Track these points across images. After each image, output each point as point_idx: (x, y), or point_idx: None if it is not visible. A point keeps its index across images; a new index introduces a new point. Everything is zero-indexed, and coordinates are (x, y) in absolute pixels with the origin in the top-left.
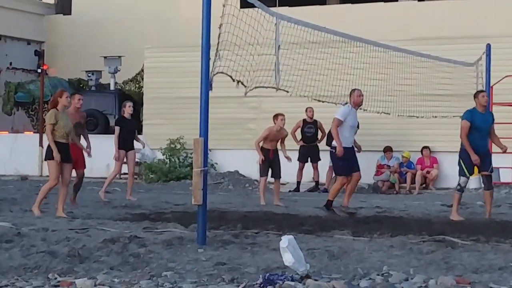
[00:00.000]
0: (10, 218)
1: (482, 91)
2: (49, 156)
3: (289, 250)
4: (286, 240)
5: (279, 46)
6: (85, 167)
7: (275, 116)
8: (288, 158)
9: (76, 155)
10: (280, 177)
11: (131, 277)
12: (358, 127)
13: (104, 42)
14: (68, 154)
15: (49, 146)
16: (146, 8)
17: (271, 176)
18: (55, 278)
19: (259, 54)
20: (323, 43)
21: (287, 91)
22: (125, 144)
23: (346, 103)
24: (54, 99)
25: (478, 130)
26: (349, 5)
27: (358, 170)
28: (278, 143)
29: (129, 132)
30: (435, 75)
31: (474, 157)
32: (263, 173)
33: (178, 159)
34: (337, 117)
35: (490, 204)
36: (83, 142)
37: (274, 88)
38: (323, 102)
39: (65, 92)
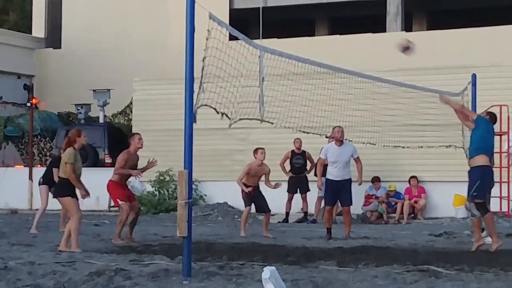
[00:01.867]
0: None
1: None
2: (62, 192)
3: (271, 281)
4: (268, 272)
5: (263, 78)
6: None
7: (255, 151)
8: (277, 185)
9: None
10: (268, 210)
11: None
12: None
13: (93, 75)
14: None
15: (60, 183)
16: (135, 41)
17: (257, 211)
18: None
19: (243, 86)
20: (307, 74)
21: (272, 123)
22: (51, 182)
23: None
24: (72, 138)
25: None
26: (338, 36)
27: (347, 203)
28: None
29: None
30: (421, 105)
31: None
32: (246, 203)
33: (167, 191)
34: (320, 156)
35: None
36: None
37: (258, 120)
38: (308, 133)
39: (82, 131)
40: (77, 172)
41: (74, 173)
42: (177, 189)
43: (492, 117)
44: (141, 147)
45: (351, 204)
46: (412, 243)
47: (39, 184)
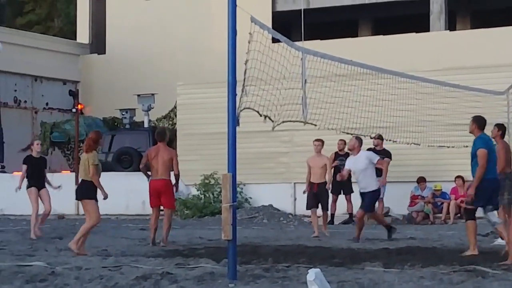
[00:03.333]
0: (45, 257)
1: None
2: (87, 195)
3: (316, 283)
4: (313, 274)
5: (305, 80)
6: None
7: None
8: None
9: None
10: (324, 209)
11: None
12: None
13: (137, 80)
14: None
15: (85, 185)
16: (179, 45)
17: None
18: None
19: (286, 88)
20: (350, 75)
21: (315, 125)
22: (36, 182)
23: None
24: (96, 140)
25: None
26: (381, 36)
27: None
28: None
29: (37, 170)
30: (465, 105)
31: None
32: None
33: (213, 194)
34: None
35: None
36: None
37: (302, 122)
38: (351, 134)
39: (101, 134)
40: (99, 172)
41: (98, 175)
42: (222, 192)
43: (482, 124)
44: None
45: (366, 210)
46: (459, 243)
47: (27, 187)
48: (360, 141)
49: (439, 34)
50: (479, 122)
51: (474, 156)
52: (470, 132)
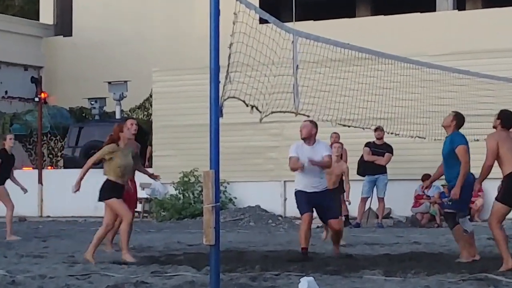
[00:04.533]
0: (4, 264)
1: None
2: (106, 195)
3: None
4: (305, 282)
5: (297, 65)
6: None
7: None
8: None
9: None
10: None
11: None
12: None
13: (108, 66)
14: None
15: (104, 186)
16: (155, 27)
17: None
18: None
19: (275, 75)
20: (346, 60)
21: (308, 116)
22: (2, 179)
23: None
24: (115, 132)
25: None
26: (382, 16)
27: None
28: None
29: (7, 168)
30: (476, 93)
31: None
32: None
33: (193, 194)
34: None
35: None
36: None
37: (293, 112)
38: (348, 126)
39: (124, 124)
40: (118, 168)
41: (91, 161)
42: (203, 192)
43: (461, 123)
44: (135, 133)
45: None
46: None
47: None
48: (317, 127)
49: (447, 14)
50: (460, 120)
51: (448, 155)
52: (444, 126)
